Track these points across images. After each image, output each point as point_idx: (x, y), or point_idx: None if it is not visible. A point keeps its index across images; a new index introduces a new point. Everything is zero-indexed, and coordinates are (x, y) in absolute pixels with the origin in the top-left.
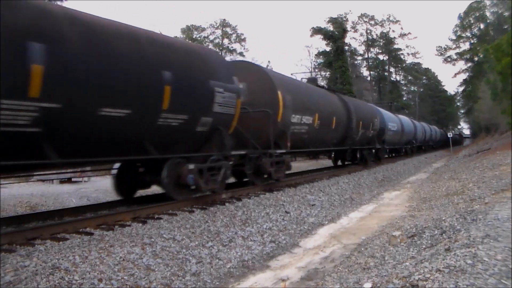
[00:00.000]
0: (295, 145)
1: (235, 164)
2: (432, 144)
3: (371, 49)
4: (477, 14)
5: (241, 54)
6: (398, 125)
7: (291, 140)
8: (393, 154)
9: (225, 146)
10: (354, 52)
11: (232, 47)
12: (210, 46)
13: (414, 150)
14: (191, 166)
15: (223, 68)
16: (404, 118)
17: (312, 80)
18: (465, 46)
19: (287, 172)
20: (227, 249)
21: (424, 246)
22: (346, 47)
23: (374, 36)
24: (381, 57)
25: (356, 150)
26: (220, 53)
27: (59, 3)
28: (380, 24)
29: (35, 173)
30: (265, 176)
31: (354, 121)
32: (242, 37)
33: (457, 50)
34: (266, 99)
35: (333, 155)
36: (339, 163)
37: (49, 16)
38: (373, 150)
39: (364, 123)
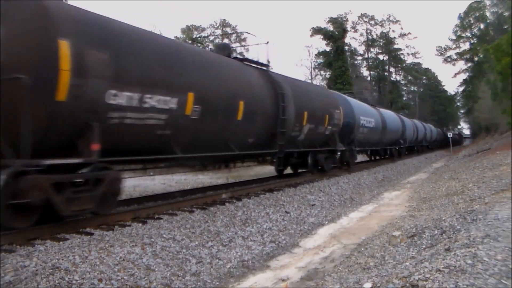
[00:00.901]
0: (136, 148)
1: None
2: (427, 145)
3: (371, 49)
4: (477, 14)
5: (241, 54)
6: (376, 121)
7: (114, 139)
8: (377, 157)
9: None
10: (354, 52)
11: (232, 47)
12: (210, 46)
13: (403, 152)
14: None
15: None
16: (387, 112)
17: (221, 49)
18: (465, 46)
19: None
20: (227, 249)
21: (424, 246)
22: (346, 47)
23: (374, 36)
24: (381, 57)
25: (306, 154)
26: None
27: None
28: (380, 24)
29: None
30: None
31: (291, 110)
32: (242, 37)
33: (457, 50)
34: (28, 54)
35: (275, 161)
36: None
37: None
38: (338, 153)
39: (313, 114)
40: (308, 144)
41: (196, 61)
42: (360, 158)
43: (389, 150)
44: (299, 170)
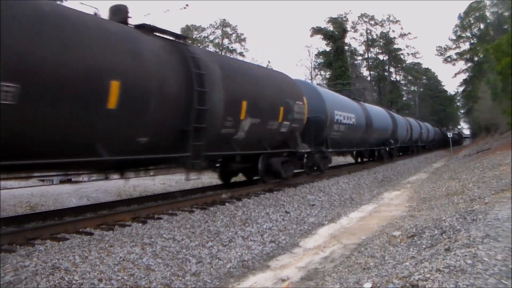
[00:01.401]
0: None
1: None
2: (423, 145)
3: (371, 49)
4: (477, 14)
5: (241, 54)
6: (359, 116)
7: None
8: (364, 159)
9: None
10: (354, 52)
11: (232, 47)
12: (210, 46)
13: (394, 153)
14: None
15: None
16: (374, 108)
17: (114, 13)
18: (465, 46)
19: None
20: (227, 249)
21: (424, 246)
22: (346, 47)
23: (374, 36)
24: (381, 57)
25: (256, 157)
26: None
27: (59, 2)
28: (380, 24)
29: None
30: None
31: (218, 98)
32: (242, 37)
33: (457, 50)
34: None
35: (195, 168)
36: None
37: None
38: (305, 156)
39: (258, 105)
40: (253, 145)
41: (16, 14)
42: (351, 160)
43: (377, 151)
44: (255, 178)
